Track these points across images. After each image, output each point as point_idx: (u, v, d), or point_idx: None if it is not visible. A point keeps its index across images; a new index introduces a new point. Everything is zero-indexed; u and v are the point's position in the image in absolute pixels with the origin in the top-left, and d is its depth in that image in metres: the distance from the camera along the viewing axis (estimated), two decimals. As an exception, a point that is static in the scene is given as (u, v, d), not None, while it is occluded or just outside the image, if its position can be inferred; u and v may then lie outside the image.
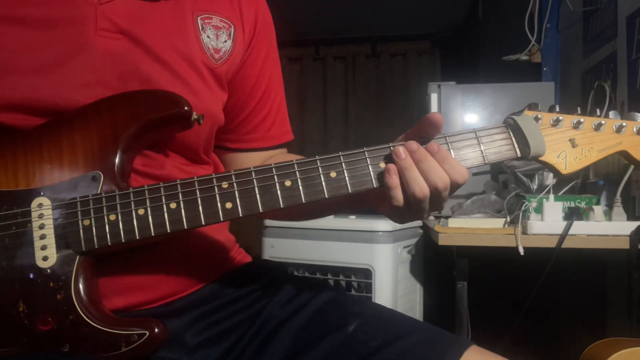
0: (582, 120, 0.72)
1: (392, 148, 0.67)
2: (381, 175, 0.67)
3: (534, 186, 1.57)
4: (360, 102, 4.55)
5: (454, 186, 0.67)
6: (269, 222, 1.99)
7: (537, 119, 0.71)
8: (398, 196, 0.66)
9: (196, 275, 0.79)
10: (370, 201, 0.74)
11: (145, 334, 0.64)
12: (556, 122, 0.71)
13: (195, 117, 0.70)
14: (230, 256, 0.87)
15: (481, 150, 0.69)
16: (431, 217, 1.95)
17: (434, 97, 2.01)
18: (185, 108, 0.69)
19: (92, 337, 0.63)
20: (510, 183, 1.65)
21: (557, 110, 0.72)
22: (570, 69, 2.22)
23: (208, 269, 0.81)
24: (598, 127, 0.72)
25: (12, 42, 0.68)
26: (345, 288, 1.91)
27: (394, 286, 1.86)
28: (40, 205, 0.66)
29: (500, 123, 0.72)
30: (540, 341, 2.22)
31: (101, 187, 0.66)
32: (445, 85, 2.03)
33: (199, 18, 0.78)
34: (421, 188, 0.65)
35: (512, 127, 0.71)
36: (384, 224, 1.84)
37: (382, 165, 0.67)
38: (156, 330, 0.64)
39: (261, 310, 0.77)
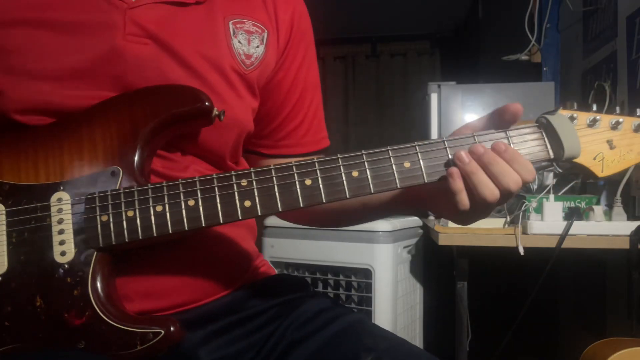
0: (621, 120, 0.68)
1: (417, 147, 0.65)
2: (405, 175, 0.65)
3: (534, 186, 1.57)
4: (360, 102, 4.55)
5: (524, 185, 0.65)
6: (269, 222, 1.99)
7: (572, 118, 0.68)
8: (464, 200, 0.64)
9: (214, 284, 0.77)
10: (427, 203, 0.72)
11: (161, 332, 0.63)
12: (593, 123, 0.68)
13: (217, 112, 0.69)
14: (252, 267, 0.85)
15: None
16: (431, 217, 1.95)
17: (434, 97, 2.01)
18: (207, 103, 0.68)
19: (108, 334, 0.63)
20: (510, 183, 1.65)
21: (595, 109, 0.68)
22: (570, 69, 2.22)
23: (227, 278, 0.80)
24: (638, 128, 0.68)
25: (38, 46, 0.68)
26: (347, 290, 1.91)
27: (394, 286, 1.85)
28: (59, 199, 0.66)
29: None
30: (540, 341, 2.22)
31: (120, 182, 0.66)
32: (445, 85, 2.03)
33: (230, 22, 0.76)
34: (492, 191, 0.63)
35: (545, 127, 0.67)
36: (384, 224, 1.83)
37: (407, 164, 0.65)
38: (172, 329, 0.64)
39: (276, 329, 0.75)
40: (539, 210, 1.44)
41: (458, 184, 0.63)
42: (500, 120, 0.67)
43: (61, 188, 0.66)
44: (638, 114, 0.69)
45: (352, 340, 0.72)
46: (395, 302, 1.86)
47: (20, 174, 0.67)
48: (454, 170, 0.64)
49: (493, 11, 3.27)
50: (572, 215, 1.38)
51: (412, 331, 2.07)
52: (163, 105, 0.68)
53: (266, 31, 0.79)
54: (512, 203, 1.56)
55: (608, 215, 1.40)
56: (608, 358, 1.15)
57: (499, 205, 0.66)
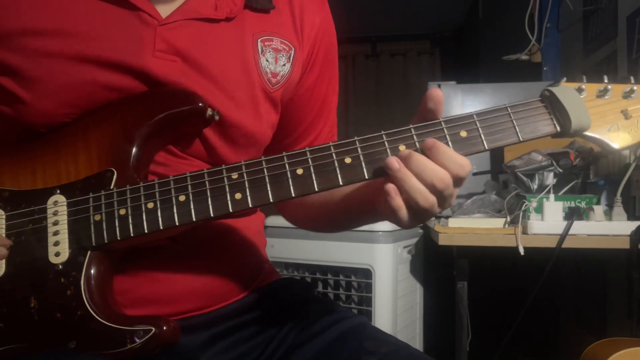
0: (635, 88, 0.64)
1: (412, 129, 0.62)
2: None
3: (534, 186, 1.57)
4: (360, 102, 4.55)
5: (457, 181, 0.60)
6: (269, 222, 1.98)
7: (580, 90, 0.64)
8: (403, 216, 0.61)
9: (222, 293, 0.77)
10: (380, 213, 0.66)
11: (151, 330, 0.63)
12: (604, 93, 0.64)
13: (211, 112, 0.69)
14: (261, 276, 0.85)
15: (515, 127, 0.63)
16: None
17: (434, 97, 2.00)
18: (200, 104, 0.68)
19: (99, 333, 0.63)
20: (510, 183, 1.65)
21: (606, 80, 0.64)
22: (571, 68, 2.21)
23: (236, 287, 0.80)
24: None
25: (66, 59, 0.66)
26: (347, 290, 1.91)
27: (394, 286, 1.85)
28: (55, 202, 0.67)
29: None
30: (540, 341, 2.22)
31: (114, 183, 0.66)
32: (445, 85, 2.02)
33: (259, 40, 0.75)
34: (423, 195, 0.59)
35: (549, 100, 0.64)
36: (384, 224, 1.83)
37: (402, 147, 0.62)
38: (164, 328, 0.63)
39: (277, 333, 0.75)
40: (539, 210, 1.44)
41: (397, 201, 0.60)
42: (426, 112, 0.63)
43: (57, 192, 0.67)
44: None
45: (353, 343, 0.72)
46: (395, 302, 1.86)
47: (19, 181, 0.68)
48: (390, 187, 0.60)
49: (493, 11, 3.27)
50: (572, 215, 1.38)
51: (412, 331, 2.07)
52: (157, 107, 0.68)
53: (293, 48, 0.78)
54: (512, 203, 1.56)
55: (608, 215, 1.40)
56: (608, 358, 1.15)
57: (442, 208, 0.62)
